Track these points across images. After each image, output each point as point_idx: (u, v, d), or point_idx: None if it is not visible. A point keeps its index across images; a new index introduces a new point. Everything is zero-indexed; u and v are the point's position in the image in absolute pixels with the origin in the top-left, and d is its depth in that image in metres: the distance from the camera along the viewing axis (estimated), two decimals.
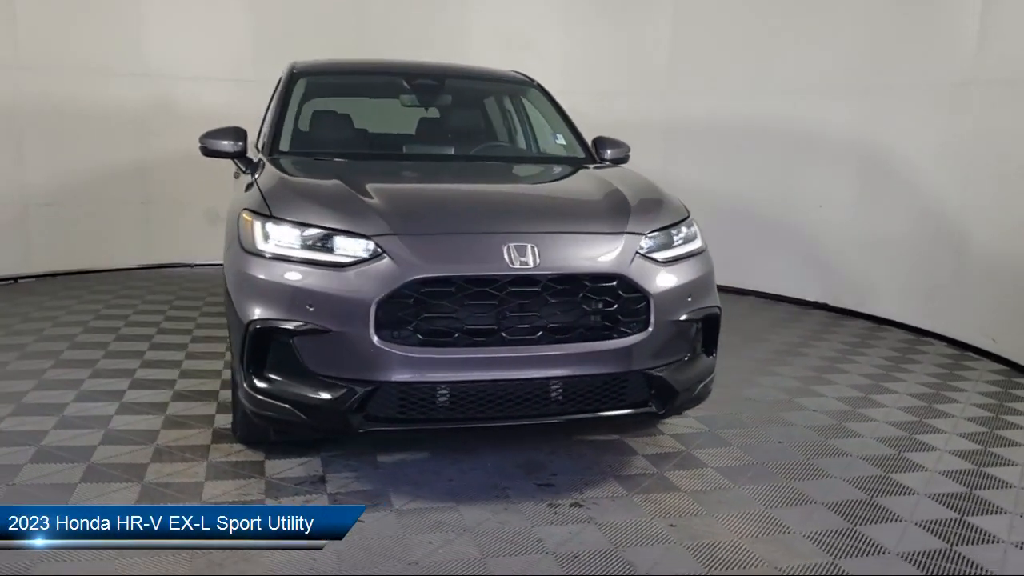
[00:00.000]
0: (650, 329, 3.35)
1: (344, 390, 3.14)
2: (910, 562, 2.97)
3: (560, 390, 3.29)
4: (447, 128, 5.05)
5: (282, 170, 3.85)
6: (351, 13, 8.32)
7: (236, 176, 5.80)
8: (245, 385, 3.30)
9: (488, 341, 3.19)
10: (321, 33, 8.09)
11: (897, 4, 6.48)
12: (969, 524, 3.28)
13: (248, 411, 3.38)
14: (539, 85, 5.15)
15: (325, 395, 3.15)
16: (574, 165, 4.47)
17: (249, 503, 3.25)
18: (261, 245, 3.31)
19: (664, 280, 3.42)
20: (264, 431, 3.68)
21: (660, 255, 3.48)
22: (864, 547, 3.07)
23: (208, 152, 4.42)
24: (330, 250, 3.22)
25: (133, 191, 8.01)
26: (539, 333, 3.23)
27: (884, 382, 5.18)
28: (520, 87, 5.16)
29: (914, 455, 3.98)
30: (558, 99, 4.99)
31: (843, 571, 2.89)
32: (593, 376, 3.32)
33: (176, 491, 3.34)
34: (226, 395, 4.45)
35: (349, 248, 3.21)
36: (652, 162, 4.50)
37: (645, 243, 3.46)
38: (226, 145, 4.35)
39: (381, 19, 8.38)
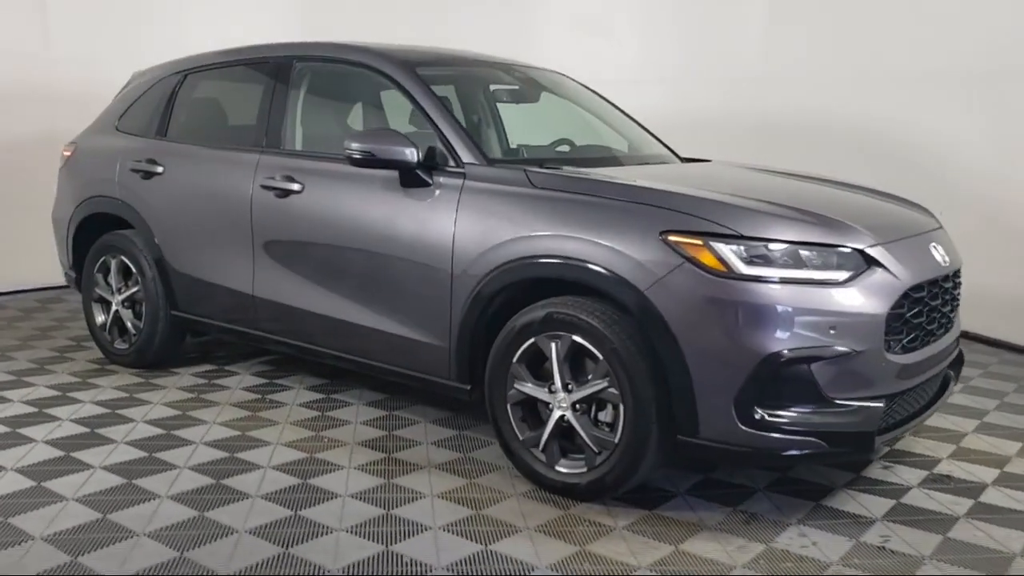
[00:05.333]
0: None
1: (866, 411, 3.04)
2: None
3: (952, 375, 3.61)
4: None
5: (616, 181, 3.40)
6: None
7: (147, 177, 4.54)
8: (743, 426, 2.97)
9: (931, 339, 3.36)
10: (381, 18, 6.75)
11: None
12: None
13: (734, 452, 3.02)
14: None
15: (851, 419, 3.01)
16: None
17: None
18: (745, 269, 2.97)
19: None
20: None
21: None
22: None
23: (373, 162, 3.58)
24: (817, 266, 3.04)
25: None
26: (950, 326, 3.50)
27: None
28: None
29: None
30: (631, 88, 4.91)
31: None
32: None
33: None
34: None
35: (839, 262, 3.07)
36: (743, 160, 4.47)
37: None
38: (406, 154, 3.57)
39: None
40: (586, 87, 4.93)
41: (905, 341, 3.16)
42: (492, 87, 4.63)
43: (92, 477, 3.41)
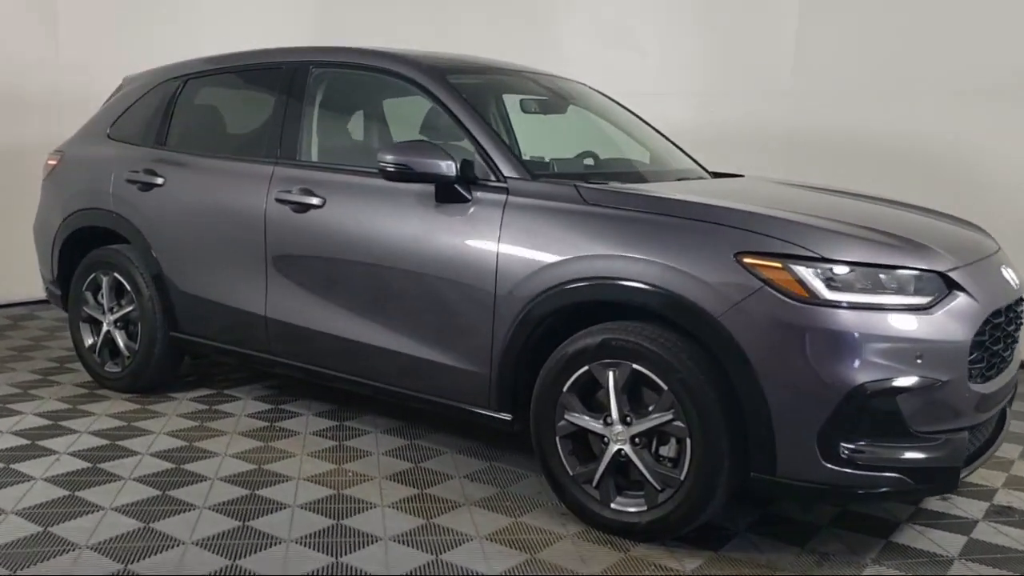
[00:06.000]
0: None
1: (952, 444, 2.86)
2: None
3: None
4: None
5: (661, 198, 3.20)
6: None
7: (145, 189, 4.23)
8: (826, 462, 2.77)
9: (1004, 366, 3.19)
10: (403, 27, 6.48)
11: None
12: None
13: (813, 490, 2.82)
14: None
15: (937, 453, 2.83)
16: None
17: None
18: (828, 294, 2.78)
19: None
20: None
21: None
22: None
23: (409, 176, 3.35)
24: (901, 290, 2.86)
25: None
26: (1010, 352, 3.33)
27: None
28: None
29: None
30: (653, 101, 4.71)
31: None
32: None
33: None
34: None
35: (922, 286, 2.88)
36: (773, 175, 4.24)
37: None
38: (443, 167, 3.34)
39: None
40: (611, 99, 4.72)
41: (984, 369, 2.98)
42: (506, 96, 4.37)
43: (104, 520, 3.10)
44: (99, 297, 4.64)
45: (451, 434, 4.06)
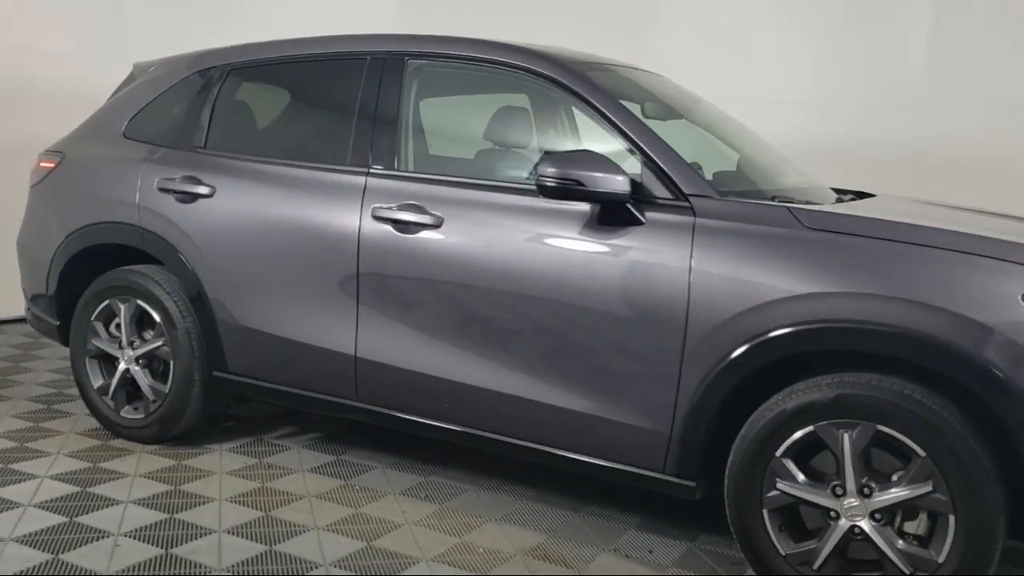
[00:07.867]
0: None
1: None
2: None
3: None
4: None
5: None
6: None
7: (186, 200, 3.53)
8: None
9: None
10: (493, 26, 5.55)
11: None
12: None
13: None
14: None
15: None
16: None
17: None
18: None
19: None
20: None
21: None
22: None
23: (576, 192, 2.79)
24: None
25: None
26: None
27: None
28: None
29: None
30: (767, 110, 4.22)
31: None
32: None
33: None
34: None
35: None
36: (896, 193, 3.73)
37: None
38: (619, 183, 2.79)
39: None
40: (720, 109, 4.20)
41: None
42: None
43: None
44: (113, 329, 3.85)
45: (558, 493, 3.47)
